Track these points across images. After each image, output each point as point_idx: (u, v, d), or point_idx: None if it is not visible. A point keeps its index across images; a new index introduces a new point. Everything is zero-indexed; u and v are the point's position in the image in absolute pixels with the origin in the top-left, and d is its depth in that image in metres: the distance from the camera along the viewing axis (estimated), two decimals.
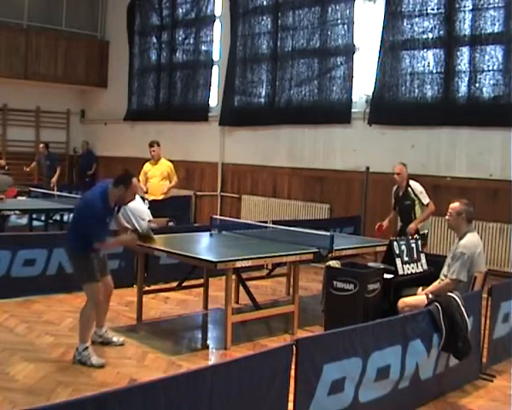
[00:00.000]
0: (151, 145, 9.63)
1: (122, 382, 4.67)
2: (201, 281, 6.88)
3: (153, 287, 7.09)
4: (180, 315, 6.78)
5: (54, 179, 12.54)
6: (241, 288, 6.69)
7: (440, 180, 9.84)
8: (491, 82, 9.28)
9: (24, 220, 9.22)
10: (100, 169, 15.62)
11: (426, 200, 7.76)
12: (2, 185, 11.18)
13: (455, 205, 5.41)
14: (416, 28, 10.05)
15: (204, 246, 6.85)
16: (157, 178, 9.46)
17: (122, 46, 15.66)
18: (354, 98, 10.96)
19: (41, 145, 13.38)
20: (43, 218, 10.27)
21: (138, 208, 8.41)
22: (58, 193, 11.20)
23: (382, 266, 5.96)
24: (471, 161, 9.58)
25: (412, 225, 7.63)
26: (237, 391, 3.25)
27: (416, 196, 7.75)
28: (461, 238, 5.35)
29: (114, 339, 5.58)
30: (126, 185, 5.06)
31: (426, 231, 7.78)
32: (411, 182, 7.86)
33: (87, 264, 5.15)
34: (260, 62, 12.47)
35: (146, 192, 9.36)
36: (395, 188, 8.03)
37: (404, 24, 10.17)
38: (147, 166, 9.63)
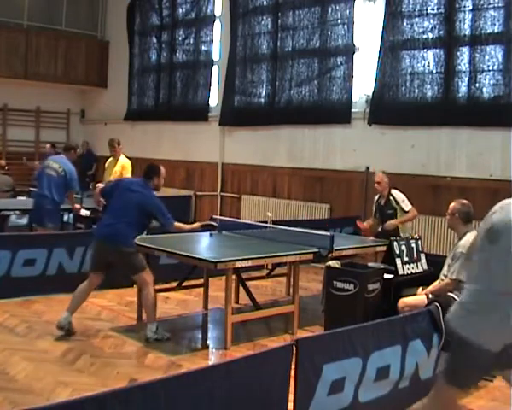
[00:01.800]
0: (113, 146, 9.42)
1: (122, 382, 4.67)
2: (201, 281, 6.89)
3: None
4: (180, 315, 6.79)
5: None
6: (241, 288, 6.69)
7: (440, 180, 9.83)
8: (491, 82, 9.26)
9: (24, 220, 9.21)
10: (100, 169, 15.61)
11: (408, 207, 7.71)
12: (1, 185, 11.20)
13: (451, 205, 5.43)
14: (416, 28, 10.03)
15: (204, 246, 6.85)
16: (110, 177, 9.23)
17: (122, 46, 15.65)
18: (354, 98, 10.95)
19: (48, 145, 13.28)
20: None
21: None
22: None
23: (382, 266, 5.96)
24: (471, 161, 9.57)
25: (392, 222, 7.58)
26: (237, 391, 3.25)
27: (397, 204, 7.69)
28: (461, 238, 5.35)
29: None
30: (159, 175, 6.04)
31: (407, 235, 7.60)
32: (393, 191, 7.82)
33: (138, 254, 5.83)
34: (260, 62, 12.46)
35: None
36: (377, 197, 7.99)
37: (404, 24, 10.16)
38: (107, 163, 9.56)
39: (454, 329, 3.31)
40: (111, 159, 9.53)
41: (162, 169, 6.11)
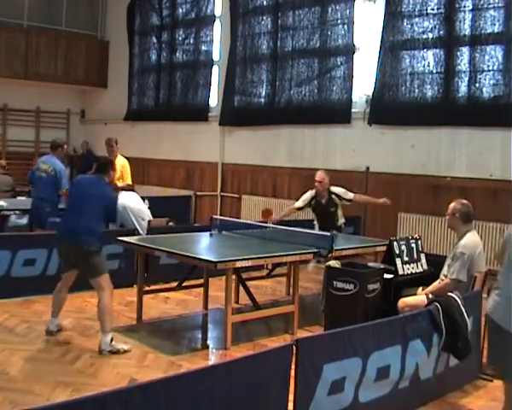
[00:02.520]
0: (111, 145, 9.10)
1: (122, 382, 4.67)
2: (201, 281, 6.88)
3: (153, 287, 7.09)
4: (180, 315, 6.78)
5: None
6: (241, 288, 6.69)
7: (440, 180, 9.84)
8: (491, 82, 9.27)
9: (24, 220, 9.20)
10: None
11: (350, 195, 7.76)
12: (1, 185, 11.19)
13: (451, 205, 5.43)
14: (416, 28, 10.04)
15: (204, 246, 6.85)
16: None
17: (122, 46, 15.66)
18: (354, 98, 10.95)
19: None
20: None
21: (139, 209, 8.41)
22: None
23: (382, 266, 5.95)
24: (471, 161, 9.58)
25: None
26: (237, 391, 3.25)
27: (341, 199, 7.70)
28: (461, 238, 5.35)
29: (64, 323, 5.94)
30: (113, 168, 5.98)
31: (342, 222, 7.84)
32: (332, 188, 7.74)
33: (102, 256, 5.61)
34: (260, 62, 12.47)
35: None
36: (313, 194, 7.79)
37: (404, 24, 10.17)
38: None
39: (489, 314, 3.37)
40: None
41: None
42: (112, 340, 5.36)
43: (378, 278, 5.76)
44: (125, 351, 5.36)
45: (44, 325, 5.86)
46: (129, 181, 9.31)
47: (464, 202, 5.45)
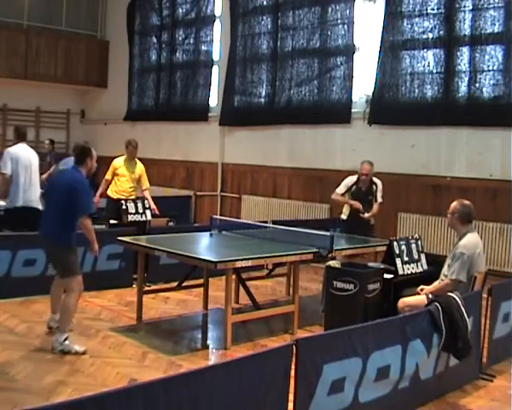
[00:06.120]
0: (134, 147, 8.93)
1: (122, 382, 4.67)
2: (201, 281, 6.88)
3: (153, 287, 7.09)
4: (180, 315, 6.79)
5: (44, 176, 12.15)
6: (241, 288, 6.69)
7: (440, 180, 9.84)
8: (491, 82, 9.28)
9: None
10: (100, 169, 15.59)
11: (379, 197, 8.08)
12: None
13: (452, 204, 5.42)
14: (416, 28, 10.05)
15: (204, 246, 6.85)
16: (128, 178, 8.90)
17: (122, 46, 15.65)
18: (354, 98, 10.96)
19: (46, 142, 13.35)
20: None
21: None
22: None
23: (382, 266, 5.95)
24: (471, 160, 9.58)
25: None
26: (237, 391, 3.25)
27: (376, 190, 8.09)
28: (461, 238, 5.35)
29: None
30: (91, 157, 5.61)
31: None
32: (374, 178, 8.16)
33: (75, 256, 5.50)
34: (260, 62, 12.47)
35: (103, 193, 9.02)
36: (354, 180, 8.12)
37: (404, 24, 10.18)
38: (119, 163, 8.99)
39: None
40: (129, 160, 8.97)
41: (93, 150, 5.66)
42: (66, 339, 5.29)
43: (378, 278, 5.76)
44: (77, 352, 5.24)
45: (44, 324, 5.87)
46: (148, 185, 9.12)
47: (466, 202, 5.44)
